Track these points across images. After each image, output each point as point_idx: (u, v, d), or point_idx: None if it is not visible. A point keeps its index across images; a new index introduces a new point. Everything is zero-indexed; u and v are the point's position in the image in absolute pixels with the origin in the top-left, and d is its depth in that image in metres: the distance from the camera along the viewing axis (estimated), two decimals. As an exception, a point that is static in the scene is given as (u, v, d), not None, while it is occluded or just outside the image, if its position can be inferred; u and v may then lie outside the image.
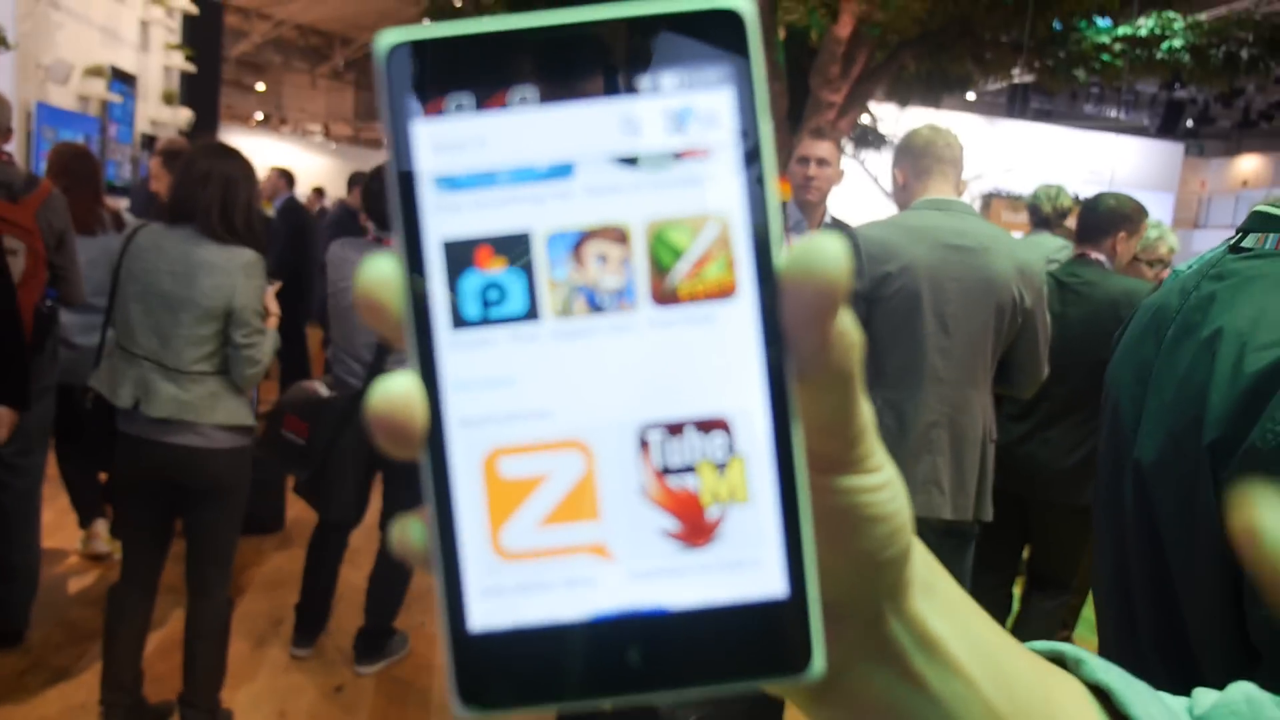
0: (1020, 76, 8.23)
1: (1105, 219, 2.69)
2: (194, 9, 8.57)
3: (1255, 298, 0.86)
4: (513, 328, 0.23)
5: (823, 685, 0.30)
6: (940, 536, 2.09)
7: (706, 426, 0.23)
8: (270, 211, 5.25)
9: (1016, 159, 14.43)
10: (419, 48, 0.23)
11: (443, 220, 0.23)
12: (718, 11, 0.23)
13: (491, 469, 0.23)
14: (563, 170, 0.23)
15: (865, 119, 9.82)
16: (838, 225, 2.76)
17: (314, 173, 15.20)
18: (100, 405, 2.22)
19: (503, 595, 0.23)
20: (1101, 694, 0.35)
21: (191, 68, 8.69)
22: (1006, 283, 2.08)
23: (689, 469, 0.23)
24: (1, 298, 2.22)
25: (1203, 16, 7.34)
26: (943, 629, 0.30)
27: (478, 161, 0.23)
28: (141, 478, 2.23)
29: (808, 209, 2.71)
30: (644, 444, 0.23)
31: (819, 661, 0.23)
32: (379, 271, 0.23)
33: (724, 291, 0.23)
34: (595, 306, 0.23)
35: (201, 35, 9.02)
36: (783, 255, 0.23)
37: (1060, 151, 15.39)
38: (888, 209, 2.42)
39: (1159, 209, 14.67)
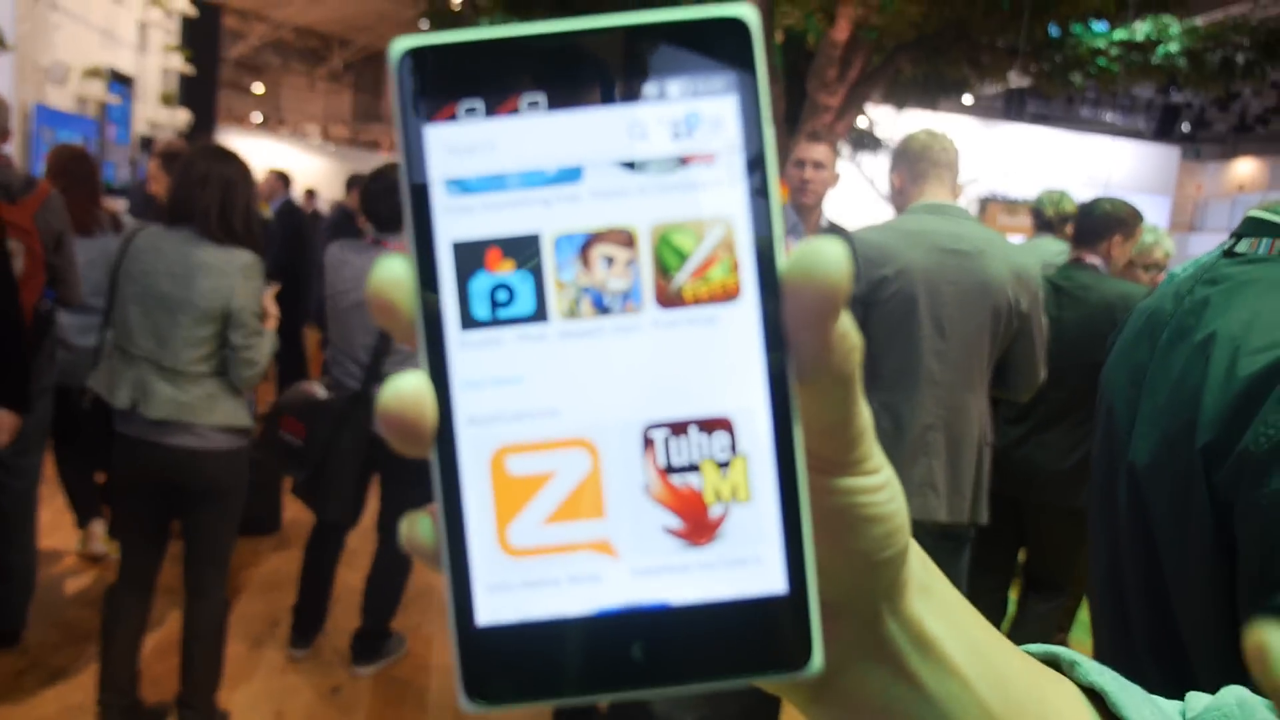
0: (1016, 81, 8.25)
1: (1100, 223, 2.70)
2: (192, 11, 8.56)
3: (1249, 302, 0.87)
4: (521, 328, 0.24)
5: (820, 684, 0.30)
6: (936, 539, 2.10)
7: (709, 426, 0.24)
8: (268, 213, 5.25)
9: (1013, 162, 14.46)
10: (431, 54, 0.23)
11: (453, 222, 0.24)
12: (723, 20, 0.23)
13: (499, 467, 0.24)
14: (571, 174, 0.24)
15: (862, 122, 9.83)
16: (834, 229, 2.77)
17: (311, 175, 15.18)
18: (98, 406, 2.22)
19: (509, 591, 0.23)
20: (1095, 696, 0.35)
21: (190, 69, 8.68)
22: (1002, 286, 2.09)
23: (692, 468, 0.24)
24: (4, 300, 2.22)
25: (1199, 21, 7.37)
26: (939, 629, 0.30)
27: (488, 165, 0.24)
28: (139, 479, 2.23)
29: (804, 212, 2.72)
30: (648, 443, 0.24)
31: (817, 659, 0.23)
32: (390, 272, 0.24)
33: (727, 294, 0.24)
34: (601, 308, 0.24)
35: (199, 37, 9.02)
36: (784, 259, 0.24)
37: (1057, 155, 15.42)
38: (884, 212, 2.43)
39: (1155, 212, 14.71)
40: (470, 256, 0.24)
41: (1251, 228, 0.95)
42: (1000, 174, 13.37)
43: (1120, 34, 7.22)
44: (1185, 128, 16.20)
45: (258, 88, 20.83)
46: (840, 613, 0.28)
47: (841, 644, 0.29)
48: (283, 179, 6.21)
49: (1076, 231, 2.76)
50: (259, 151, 13.59)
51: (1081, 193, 3.69)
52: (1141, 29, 7.16)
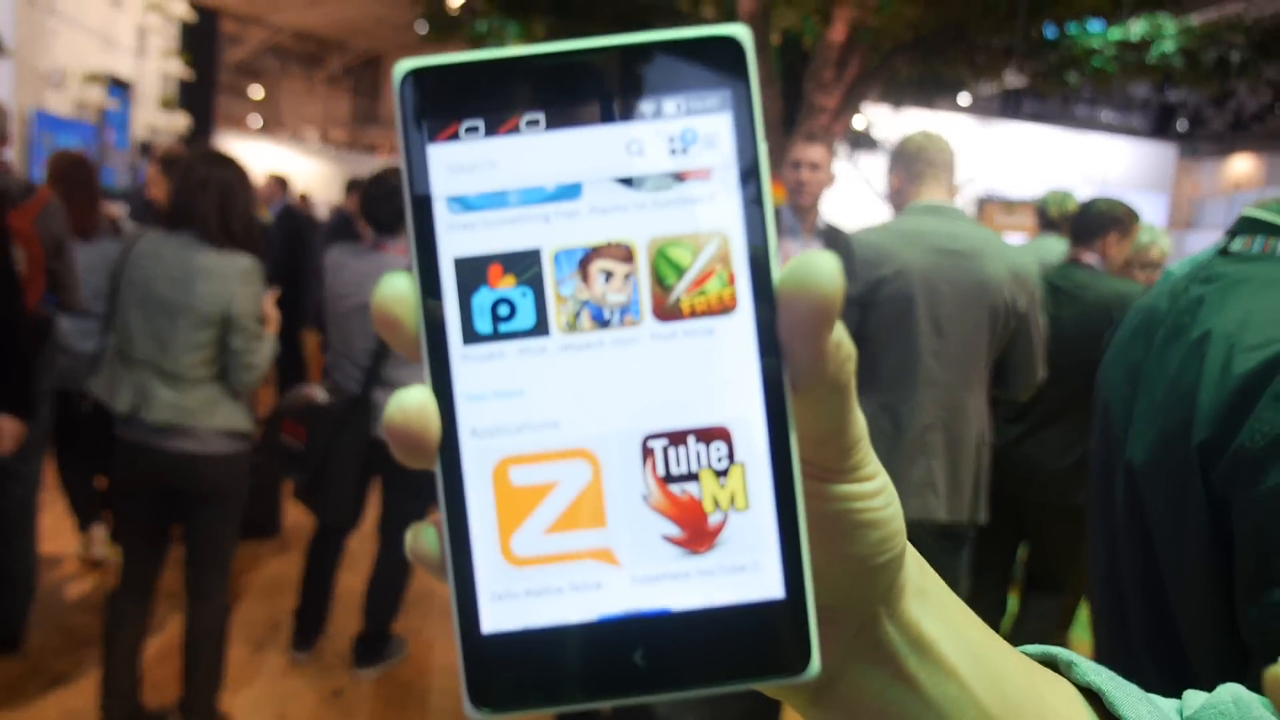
0: (1012, 82, 8.26)
1: (1095, 222, 2.72)
2: (190, 16, 8.56)
3: (1242, 300, 0.87)
4: (522, 342, 0.24)
5: (819, 687, 0.31)
6: (936, 539, 2.10)
7: (707, 436, 0.24)
8: (267, 218, 5.25)
9: (1010, 161, 14.46)
10: (433, 75, 0.24)
11: (455, 239, 0.24)
12: (717, 39, 0.24)
13: (502, 478, 0.24)
14: (570, 191, 0.24)
15: (859, 123, 9.84)
16: (831, 230, 2.77)
17: (311, 178, 15.17)
18: (99, 411, 2.22)
19: (513, 600, 0.24)
20: (1093, 696, 0.36)
21: (188, 74, 8.68)
22: (1000, 286, 2.10)
23: (691, 477, 0.24)
24: (10, 306, 2.22)
25: (1194, 20, 7.37)
26: (936, 632, 0.30)
27: (489, 183, 0.24)
28: (140, 483, 2.23)
29: (800, 213, 2.73)
30: (648, 453, 0.24)
31: (816, 663, 0.24)
32: (394, 288, 0.24)
33: (723, 306, 0.24)
34: (601, 321, 0.24)
35: (198, 41, 9.02)
36: (779, 271, 0.24)
37: (1054, 154, 15.42)
38: (882, 212, 2.44)
39: (1153, 210, 14.70)
40: (472, 272, 0.24)
41: (1245, 226, 0.95)
42: (997, 173, 13.37)
43: (1115, 34, 7.22)
44: (1182, 126, 16.21)
45: (256, 92, 20.83)
46: (838, 617, 0.29)
47: (839, 647, 0.29)
48: (281, 184, 6.21)
49: (1073, 231, 2.78)
50: (258, 155, 13.59)
51: (1080, 191, 3.71)
52: (1136, 29, 7.16)
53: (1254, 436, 0.77)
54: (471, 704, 0.24)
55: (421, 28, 9.30)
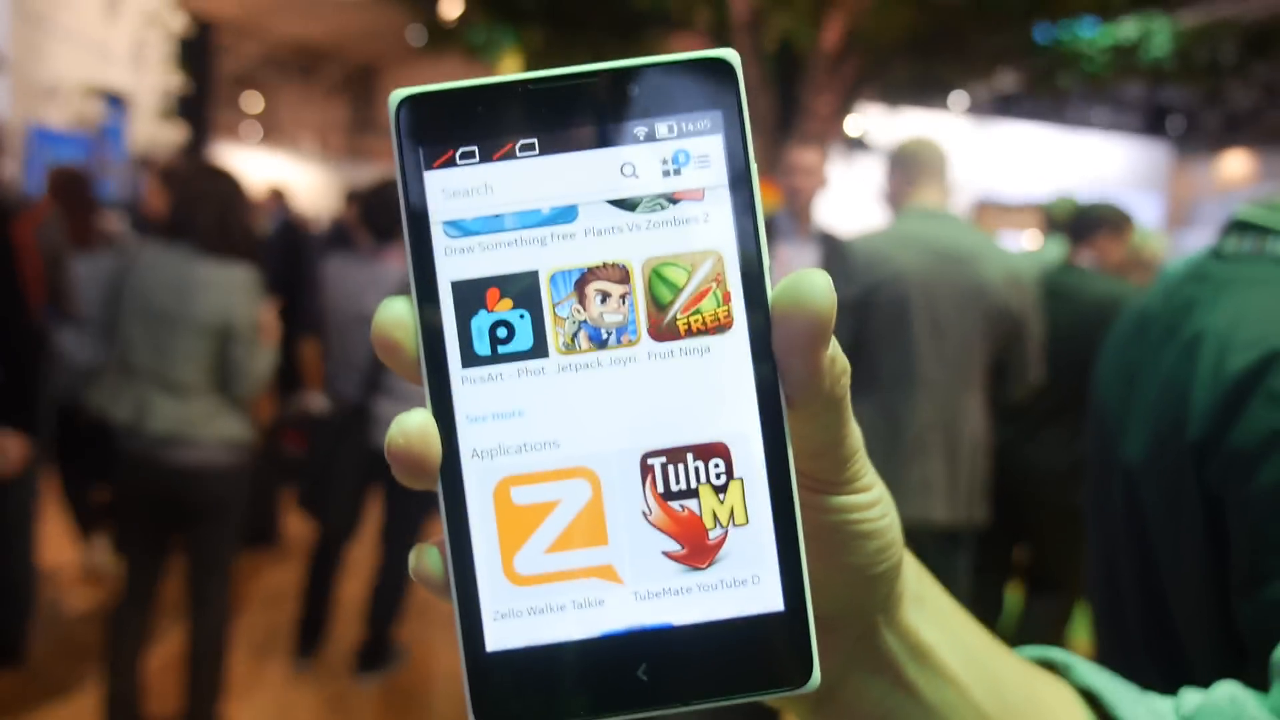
0: (1007, 84, 8.28)
1: (1087, 223, 2.75)
2: (187, 28, 8.57)
3: (1234, 300, 0.88)
4: (520, 363, 0.25)
5: (820, 696, 0.31)
6: (934, 541, 2.10)
7: (705, 453, 0.25)
8: (265, 230, 5.26)
9: (1007, 162, 14.47)
10: (428, 102, 0.24)
11: (453, 263, 0.25)
12: (708, 62, 0.25)
13: (503, 497, 0.25)
14: (566, 214, 0.25)
15: (855, 126, 9.85)
16: (827, 236, 2.78)
17: (309, 187, 15.17)
18: (99, 422, 2.22)
19: (517, 618, 0.24)
20: (1091, 697, 0.36)
21: (185, 85, 8.69)
22: (996, 289, 2.11)
23: (691, 493, 0.25)
24: (15, 318, 2.22)
25: (1186, 23, 7.39)
26: (934, 638, 0.31)
27: (485, 207, 0.25)
28: (141, 494, 2.23)
29: (795, 217, 2.74)
30: (647, 470, 0.25)
31: (816, 674, 0.24)
32: (393, 313, 0.25)
33: (719, 325, 0.25)
34: (598, 341, 0.25)
35: (194, 53, 9.02)
36: (772, 288, 0.25)
37: (1050, 154, 15.43)
38: (878, 216, 2.45)
39: (1150, 209, 14.70)
40: (470, 295, 0.24)
41: (1236, 228, 0.96)
42: (993, 174, 13.38)
43: (1107, 37, 7.24)
44: (1176, 125, 16.24)
45: (253, 102, 20.84)
46: (837, 626, 0.29)
47: (839, 656, 0.30)
48: (279, 195, 6.22)
49: (1068, 234, 2.81)
50: (256, 165, 13.59)
51: (1078, 192, 3.75)
52: (1128, 30, 7.18)
53: (1247, 434, 0.77)
54: None
55: (418, 38, 9.30)
